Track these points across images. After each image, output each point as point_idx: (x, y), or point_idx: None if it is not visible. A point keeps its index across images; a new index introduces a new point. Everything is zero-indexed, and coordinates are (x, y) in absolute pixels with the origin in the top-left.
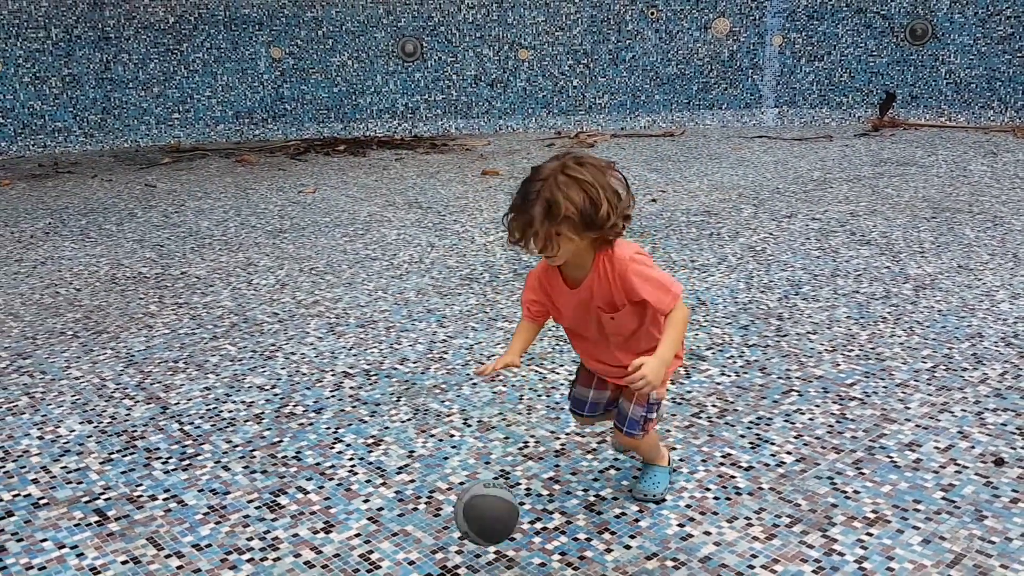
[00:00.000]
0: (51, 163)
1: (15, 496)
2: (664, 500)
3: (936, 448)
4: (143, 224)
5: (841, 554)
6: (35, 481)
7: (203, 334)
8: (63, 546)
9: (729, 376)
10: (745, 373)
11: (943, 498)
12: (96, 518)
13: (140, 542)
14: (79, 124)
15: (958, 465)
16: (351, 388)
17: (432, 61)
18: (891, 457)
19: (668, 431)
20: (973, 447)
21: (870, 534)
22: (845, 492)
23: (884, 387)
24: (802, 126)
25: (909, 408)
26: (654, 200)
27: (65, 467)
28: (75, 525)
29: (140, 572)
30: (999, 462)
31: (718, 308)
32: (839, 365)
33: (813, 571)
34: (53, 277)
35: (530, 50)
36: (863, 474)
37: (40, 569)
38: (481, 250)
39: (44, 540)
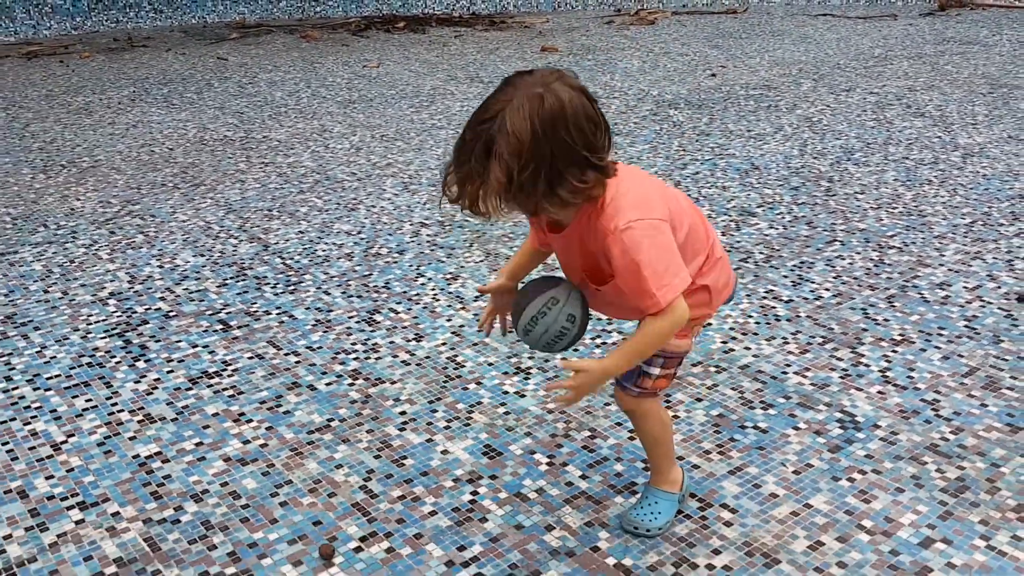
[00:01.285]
0: (125, 37)
1: (147, 310)
2: (659, 533)
3: (965, 287)
4: (221, 94)
5: (867, 366)
6: (162, 299)
7: (290, 188)
8: (196, 345)
9: (777, 229)
10: (792, 226)
11: (965, 325)
12: (220, 326)
13: (261, 344)
14: (149, 0)
15: (983, 301)
16: (428, 235)
17: None
18: (922, 294)
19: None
20: (999, 287)
21: (895, 351)
22: (876, 320)
23: (923, 238)
24: (867, 4)
25: (944, 255)
26: (714, 75)
27: (187, 288)
28: (203, 331)
29: (265, 364)
30: (1021, 299)
31: (771, 172)
32: (882, 220)
33: (840, 377)
34: (146, 138)
35: None
36: (894, 306)
37: (179, 361)
38: None
39: (179, 341)
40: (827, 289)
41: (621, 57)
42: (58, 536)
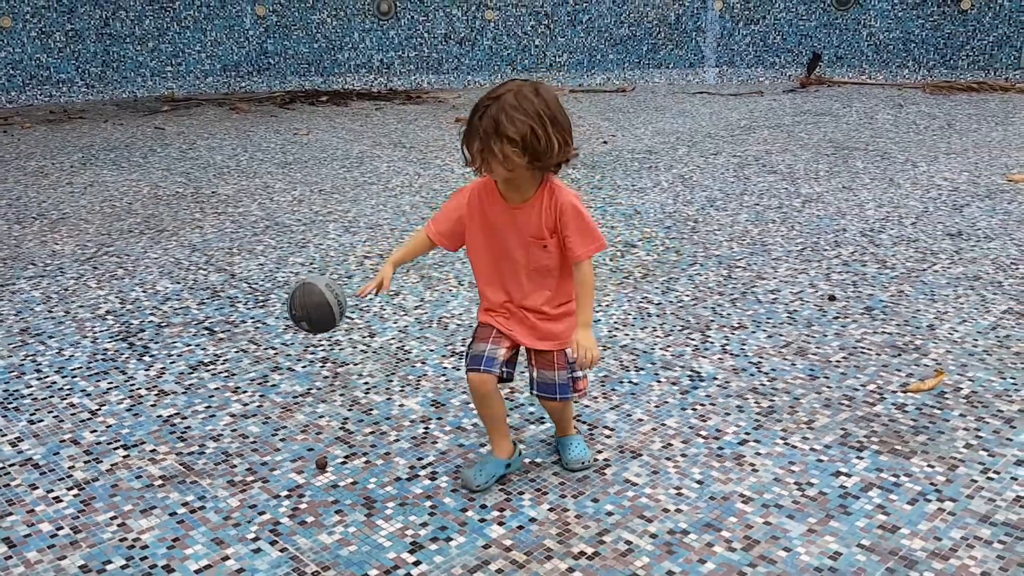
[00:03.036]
0: (60, 110)
1: (141, 322)
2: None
3: (791, 292)
4: (164, 158)
5: (712, 342)
6: (152, 314)
7: (245, 232)
8: (189, 345)
9: (652, 256)
10: (664, 254)
11: (787, 316)
12: (206, 332)
13: (243, 342)
14: (81, 76)
15: (803, 301)
16: (370, 264)
17: (405, 20)
18: (757, 297)
19: (606, 288)
20: (817, 291)
21: (733, 333)
22: (721, 314)
23: (762, 260)
24: (739, 83)
25: (777, 272)
26: (605, 142)
27: (171, 306)
28: (193, 335)
29: (249, 356)
30: (832, 298)
31: (649, 215)
32: (733, 248)
33: (692, 350)
34: (104, 195)
35: (496, 11)
36: (735, 305)
37: (179, 355)
38: (461, 179)
39: (174, 342)
40: (687, 295)
41: None
42: (112, 464)
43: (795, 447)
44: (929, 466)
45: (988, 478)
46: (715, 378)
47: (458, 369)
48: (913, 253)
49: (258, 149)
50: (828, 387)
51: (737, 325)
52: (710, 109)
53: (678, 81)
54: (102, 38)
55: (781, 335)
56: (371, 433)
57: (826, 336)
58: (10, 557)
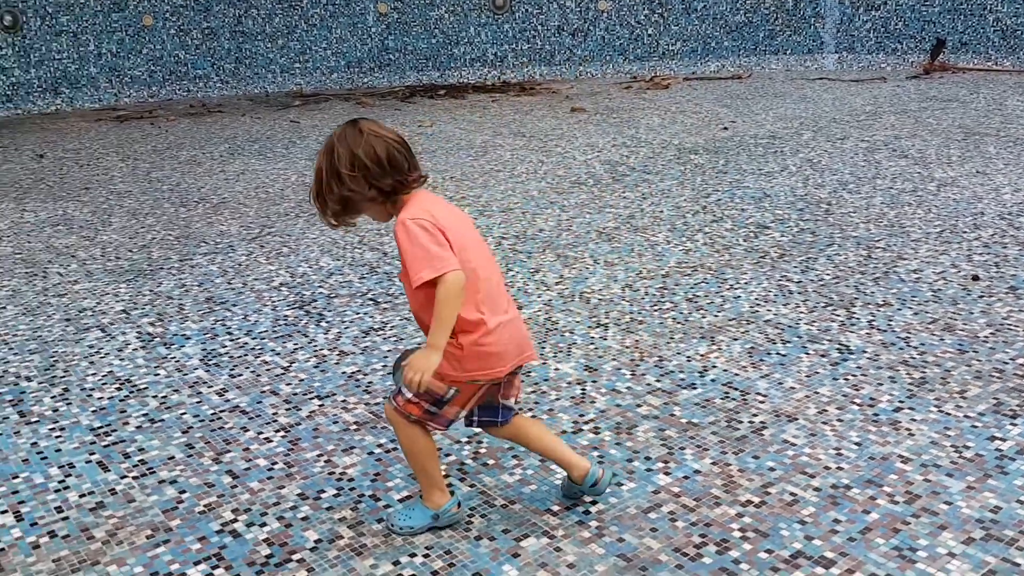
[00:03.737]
0: (199, 104)
1: (312, 294)
2: (402, 532)
3: (933, 272)
4: (304, 149)
5: (858, 318)
6: (320, 287)
7: None
8: (358, 314)
9: (787, 237)
10: (799, 235)
11: (931, 295)
12: (371, 303)
13: (404, 312)
14: (216, 72)
15: (946, 280)
16: (509, 244)
17: (519, 13)
18: (900, 276)
19: (742, 266)
20: (959, 271)
21: (879, 310)
22: (864, 292)
23: (901, 242)
24: (859, 70)
25: (918, 252)
26: (725, 128)
27: (336, 280)
28: (360, 305)
29: (411, 324)
30: (976, 278)
31: (780, 198)
32: (871, 230)
33: (838, 326)
34: (255, 182)
35: (609, 1)
36: (878, 284)
37: (351, 322)
38: (583, 164)
39: (345, 311)
40: (828, 274)
41: (642, 115)
42: (310, 412)
43: (949, 414)
44: None
45: None
46: (864, 351)
47: (605, 339)
48: None
49: None
50: (978, 360)
51: (882, 303)
52: (832, 95)
53: (795, 67)
54: (235, 36)
55: (927, 312)
56: (533, 392)
57: (972, 314)
58: (236, 486)
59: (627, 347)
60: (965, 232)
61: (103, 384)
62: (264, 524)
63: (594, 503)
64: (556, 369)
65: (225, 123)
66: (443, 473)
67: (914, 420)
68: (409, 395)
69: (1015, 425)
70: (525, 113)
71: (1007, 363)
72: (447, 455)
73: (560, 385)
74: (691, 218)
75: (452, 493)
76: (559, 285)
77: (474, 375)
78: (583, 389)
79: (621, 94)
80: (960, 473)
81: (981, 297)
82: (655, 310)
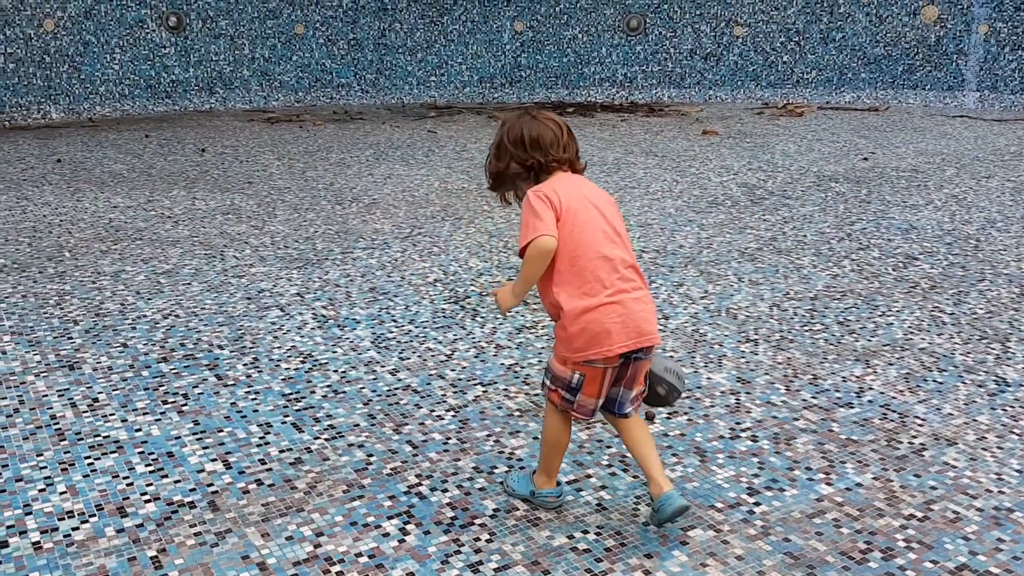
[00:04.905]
0: (342, 111)
1: (464, 290)
2: (511, 491)
3: None
4: (443, 157)
5: (1014, 353)
6: (472, 284)
7: None
8: (510, 313)
9: (936, 270)
10: (949, 268)
11: None
12: (522, 304)
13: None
14: (359, 81)
15: None
16: (649, 258)
17: (653, 35)
18: None
19: (893, 295)
20: None
21: None
22: (1019, 328)
23: None
24: (1002, 110)
25: None
26: (865, 159)
27: (486, 280)
28: None
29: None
30: None
31: (927, 231)
32: (1022, 268)
33: (993, 359)
34: (402, 185)
35: (745, 27)
36: None
37: (504, 319)
38: (719, 185)
39: (497, 309)
40: (981, 308)
41: (777, 141)
42: (475, 396)
43: None
44: None
45: None
46: (1022, 385)
47: (756, 354)
48: None
49: None
50: None
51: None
52: (974, 133)
53: (934, 103)
54: (378, 47)
55: None
56: (687, 398)
57: None
58: (416, 455)
59: (779, 363)
60: None
61: (288, 357)
62: (446, 490)
63: (757, 504)
64: (708, 378)
65: (367, 130)
66: (571, 468)
67: None
68: (548, 383)
69: None
70: (655, 133)
71: None
72: (608, 446)
73: (714, 394)
74: (836, 244)
75: (559, 484)
76: (704, 300)
77: (586, 355)
78: (737, 399)
79: (753, 119)
80: None
81: None
82: (805, 330)
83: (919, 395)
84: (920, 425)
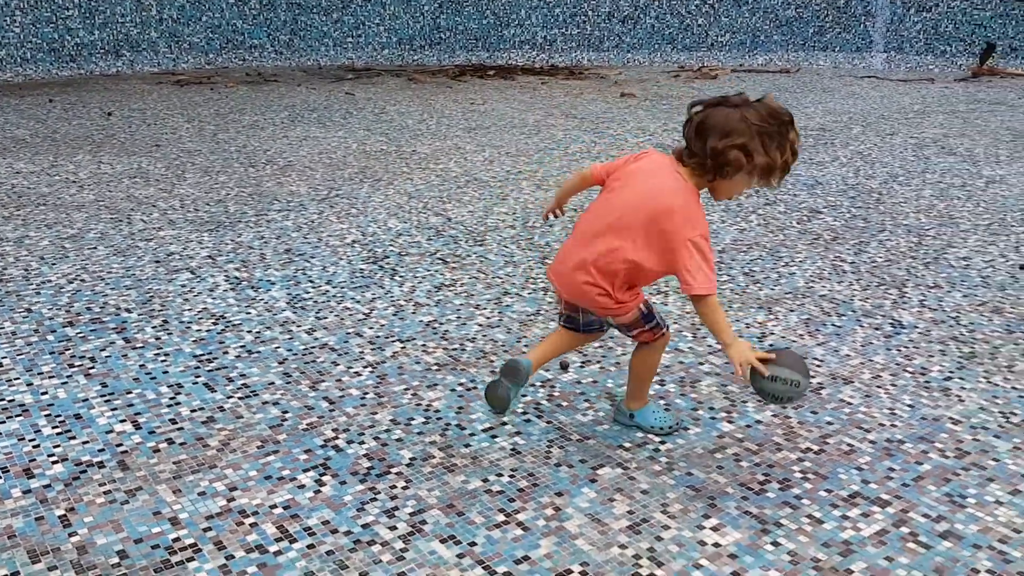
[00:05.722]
0: (255, 73)
1: (383, 251)
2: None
3: (982, 260)
4: (362, 120)
5: (910, 298)
6: (391, 245)
7: (449, 185)
8: (428, 271)
9: (839, 222)
10: (851, 220)
11: (980, 280)
12: (440, 262)
13: (473, 271)
14: (272, 42)
15: (995, 268)
16: (568, 217)
17: None
18: (949, 262)
19: (797, 246)
20: (1007, 261)
21: (930, 291)
22: (916, 275)
23: (951, 231)
24: (907, 70)
25: (967, 242)
26: None
27: (406, 240)
28: (430, 264)
29: (480, 282)
30: (1023, 267)
31: (831, 186)
32: (920, 219)
33: (890, 303)
34: (319, 148)
35: None
36: (928, 268)
37: (423, 278)
38: (636, 147)
39: (416, 267)
40: (880, 256)
41: None
42: (393, 352)
43: (997, 385)
44: None
45: None
46: (916, 327)
47: (666, 304)
48: None
49: (442, 115)
50: None
51: (932, 284)
52: (880, 93)
53: (843, 64)
54: (291, 7)
55: (976, 295)
56: (600, 347)
57: (1020, 299)
58: (333, 410)
59: (687, 313)
60: (1013, 226)
61: (199, 319)
62: (363, 443)
63: (663, 442)
64: None
65: (282, 92)
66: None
67: (964, 388)
68: (639, 329)
69: None
70: (575, 96)
71: None
72: (523, 395)
73: (626, 343)
74: (744, 200)
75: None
76: None
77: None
78: None
79: (669, 82)
80: (1007, 435)
81: None
82: None
83: (818, 339)
84: (819, 366)
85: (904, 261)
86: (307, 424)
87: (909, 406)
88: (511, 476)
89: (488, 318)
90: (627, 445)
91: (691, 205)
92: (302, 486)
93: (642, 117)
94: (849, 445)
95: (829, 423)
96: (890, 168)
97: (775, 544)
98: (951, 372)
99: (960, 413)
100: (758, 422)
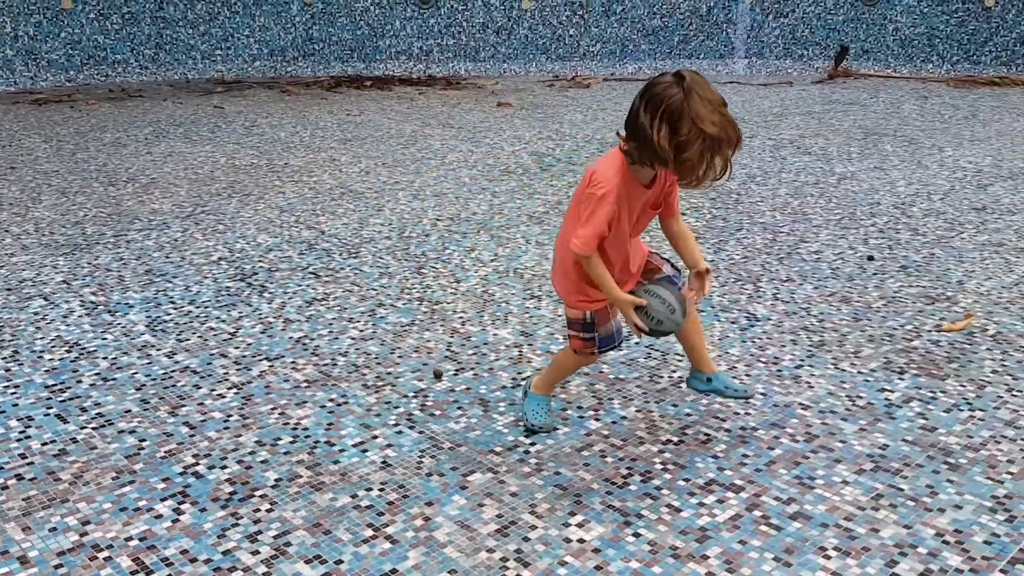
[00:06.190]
0: (119, 89)
1: (252, 267)
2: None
3: (832, 253)
4: (231, 133)
5: (764, 292)
6: (260, 261)
7: (323, 197)
8: (300, 286)
9: (701, 223)
10: (712, 220)
11: (830, 272)
12: (312, 276)
13: (346, 284)
14: (136, 57)
15: (844, 260)
16: (444, 225)
17: (445, 9)
18: (802, 256)
19: (661, 248)
20: (856, 252)
21: (783, 285)
22: (769, 270)
23: (804, 227)
24: (767, 75)
25: (819, 237)
26: None
27: (276, 255)
28: (301, 279)
29: (354, 295)
30: (870, 258)
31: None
32: (776, 217)
33: (746, 298)
34: (184, 163)
35: (532, 1)
36: (782, 263)
37: (294, 293)
38: (511, 155)
39: (287, 283)
40: (737, 254)
41: (566, 111)
42: (260, 372)
43: (845, 371)
44: (961, 385)
45: (1012, 395)
46: (769, 319)
47: (539, 309)
48: (942, 223)
49: (316, 127)
50: (871, 327)
51: (786, 279)
52: (741, 97)
53: (708, 71)
54: (156, 21)
55: (826, 287)
56: (474, 354)
57: (867, 288)
58: (194, 435)
59: (559, 316)
60: (862, 219)
61: (52, 347)
62: (225, 467)
63: (533, 444)
64: (495, 335)
65: (147, 107)
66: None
67: (813, 375)
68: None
69: (902, 379)
70: (452, 106)
71: (896, 329)
72: (396, 407)
73: (499, 348)
74: None
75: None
76: (494, 262)
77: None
78: (520, 351)
79: (544, 91)
80: (853, 418)
81: (875, 275)
82: None
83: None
84: (679, 361)
85: (759, 257)
86: (165, 451)
87: (762, 394)
88: (381, 490)
89: (361, 331)
90: (498, 449)
91: (604, 167)
92: (159, 516)
93: (518, 126)
94: (706, 435)
95: (688, 415)
96: (748, 169)
97: (636, 535)
98: (802, 360)
99: (809, 399)
100: (623, 418)
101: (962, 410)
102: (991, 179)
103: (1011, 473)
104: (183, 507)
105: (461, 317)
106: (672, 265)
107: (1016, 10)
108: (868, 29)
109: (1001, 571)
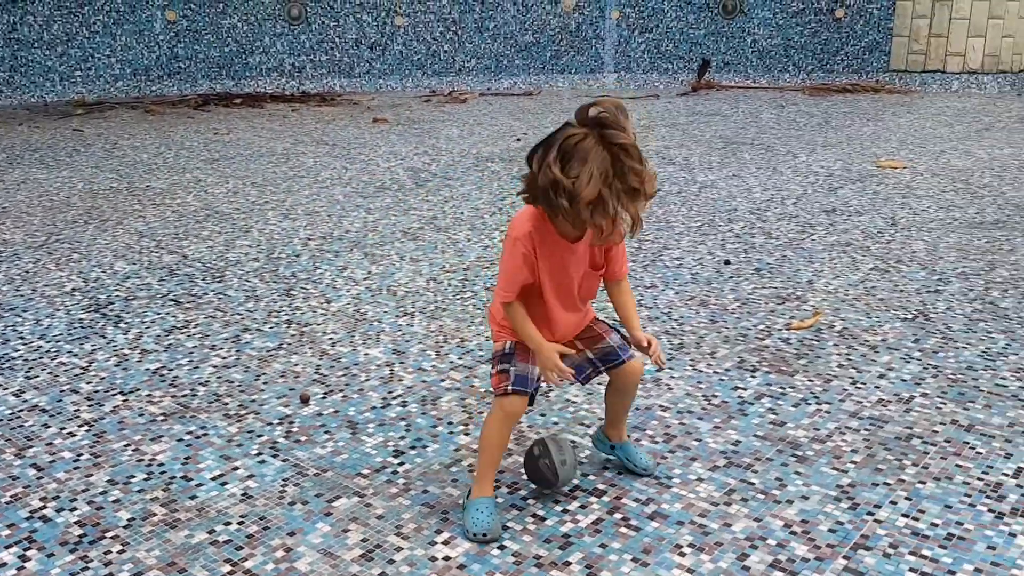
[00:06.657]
0: None
1: (108, 297)
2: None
3: (692, 259)
4: (90, 157)
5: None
6: (117, 290)
7: (187, 220)
8: (159, 314)
9: None
10: None
11: (690, 277)
12: (173, 303)
13: (209, 310)
14: None
15: (703, 265)
16: (315, 245)
17: (316, 25)
18: (664, 263)
19: None
20: (714, 258)
21: (647, 291)
22: (635, 277)
23: (667, 235)
24: (636, 88)
25: (680, 243)
26: (519, 139)
27: (134, 283)
28: (161, 306)
29: (218, 321)
30: (727, 263)
31: None
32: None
33: None
34: (39, 191)
35: (405, 17)
36: (647, 270)
37: (152, 322)
38: (387, 171)
39: (145, 312)
40: None
41: (442, 127)
42: (114, 407)
43: (701, 371)
44: (809, 380)
45: (856, 387)
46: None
47: (412, 326)
48: (794, 226)
49: (181, 148)
50: (726, 328)
51: (649, 285)
52: None
53: (580, 85)
54: (10, 43)
55: (686, 291)
56: (343, 375)
57: (723, 291)
58: (41, 477)
59: (432, 331)
60: (721, 225)
61: None
62: (75, 508)
63: (401, 464)
64: (366, 354)
65: (0, 133)
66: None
67: (673, 377)
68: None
69: (754, 377)
70: (327, 123)
71: (750, 329)
72: (259, 435)
73: (369, 368)
74: (489, 219)
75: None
76: (367, 280)
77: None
78: (391, 370)
79: (421, 107)
80: (709, 416)
81: (731, 278)
82: (457, 299)
83: None
84: None
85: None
86: (11, 496)
87: None
88: (240, 523)
89: (224, 358)
90: (365, 472)
91: (521, 215)
92: (3, 564)
93: (394, 141)
94: (572, 442)
95: (555, 423)
96: None
97: (501, 548)
98: (669, 351)
99: (668, 400)
100: None
101: (809, 404)
102: (841, 182)
103: (854, 463)
104: (28, 553)
105: (331, 338)
106: (620, 334)
107: (863, 20)
108: (728, 42)
109: (844, 557)
